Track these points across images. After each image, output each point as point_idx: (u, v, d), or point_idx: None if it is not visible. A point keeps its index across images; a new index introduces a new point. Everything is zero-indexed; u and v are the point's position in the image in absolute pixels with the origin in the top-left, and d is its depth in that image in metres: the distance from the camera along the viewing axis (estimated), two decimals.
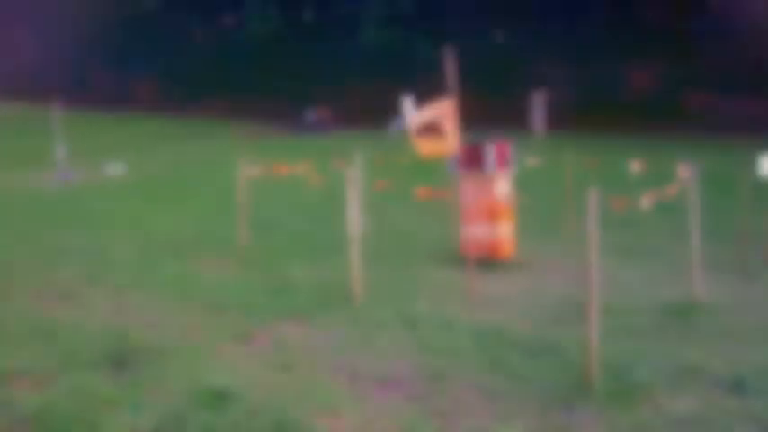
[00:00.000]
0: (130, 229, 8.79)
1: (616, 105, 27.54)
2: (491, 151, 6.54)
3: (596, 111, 25.34)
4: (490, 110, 34.34)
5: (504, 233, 6.74)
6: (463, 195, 6.93)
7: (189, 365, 3.91)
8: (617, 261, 7.00)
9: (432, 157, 6.70)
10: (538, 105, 25.04)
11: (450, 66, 5.43)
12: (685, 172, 5.57)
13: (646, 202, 5.12)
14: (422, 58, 34.92)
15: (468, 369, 3.90)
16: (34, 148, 20.30)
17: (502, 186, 6.70)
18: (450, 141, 5.61)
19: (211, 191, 12.45)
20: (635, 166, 7.19)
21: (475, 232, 6.85)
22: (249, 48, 38.03)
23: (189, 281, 6.00)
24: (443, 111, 5.66)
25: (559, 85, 26.68)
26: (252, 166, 7.29)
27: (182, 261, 6.86)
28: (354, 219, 5.32)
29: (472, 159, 6.70)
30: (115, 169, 18.42)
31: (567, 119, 25.24)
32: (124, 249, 7.43)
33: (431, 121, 5.77)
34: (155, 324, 4.78)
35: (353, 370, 3.90)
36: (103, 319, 4.89)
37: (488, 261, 6.80)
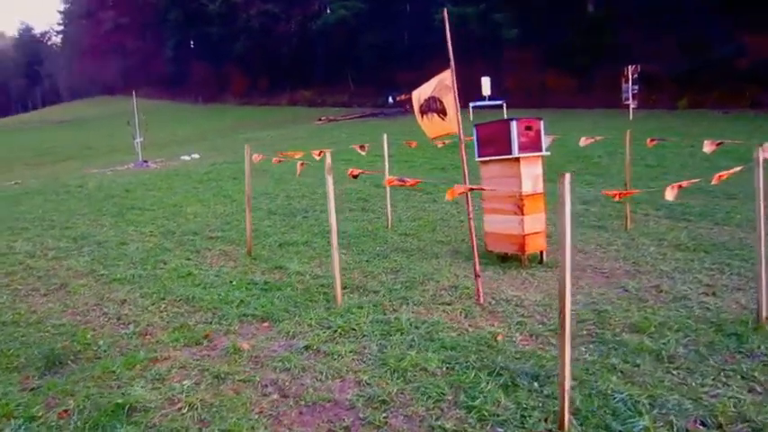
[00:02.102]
0: (165, 218, 8.79)
1: (728, 76, 24.45)
2: (516, 129, 5.61)
3: (700, 83, 22.57)
4: (581, 84, 31.88)
5: (533, 226, 5.79)
6: (485, 182, 6.07)
7: (115, 374, 3.53)
8: (674, 261, 5.84)
9: (441, 139, 5.90)
10: (632, 79, 22.65)
11: (447, 34, 4.60)
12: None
13: (670, 192, 4.02)
14: (504, 37, 33.17)
15: (422, 398, 3.18)
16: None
17: (531, 171, 5.76)
18: (451, 118, 4.80)
19: (264, 179, 12.35)
20: (708, 147, 5.92)
21: (499, 224, 5.98)
22: (332, 34, 38.21)
23: (182, 276, 5.70)
24: (441, 85, 4.86)
25: (657, 55, 24.06)
26: (257, 153, 6.85)
27: (190, 254, 6.62)
28: (332, 210, 4.69)
29: (494, 140, 5.81)
30: (189, 157, 19.16)
31: (666, 93, 22.68)
32: (143, 240, 7.37)
33: (432, 99, 4.98)
34: (116, 323, 4.49)
35: (289, 388, 3.33)
36: (72, 315, 4.68)
37: (515, 258, 5.93)
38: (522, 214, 5.69)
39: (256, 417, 3.03)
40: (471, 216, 4.82)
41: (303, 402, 3.18)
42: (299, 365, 3.62)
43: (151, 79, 64.93)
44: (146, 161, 17.76)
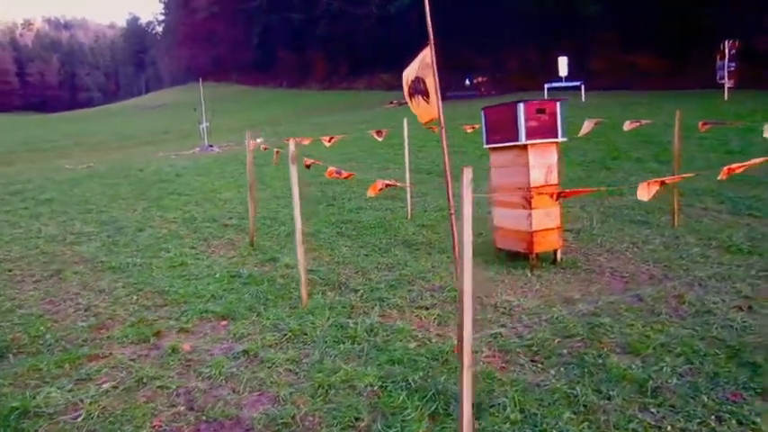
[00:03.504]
0: (195, 204, 8.87)
1: None
2: (524, 113, 4.96)
3: None
4: (674, 64, 29.09)
5: (544, 221, 5.13)
6: (493, 171, 5.47)
7: (40, 373, 3.43)
8: (715, 266, 4.96)
9: (431, 125, 5.34)
10: (729, 55, 20.27)
11: (426, 9, 4.06)
12: None
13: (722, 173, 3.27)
14: (584, 16, 30.86)
15: (330, 422, 2.79)
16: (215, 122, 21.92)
17: (542, 159, 5.09)
18: (432, 102, 4.26)
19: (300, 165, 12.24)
20: None
21: (506, 219, 5.38)
22: (409, 16, 37.46)
23: (173, 266, 5.63)
24: (423, 64, 4.32)
25: (761, 30, 21.40)
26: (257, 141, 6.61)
27: (196, 243, 6.57)
28: (297, 204, 4.35)
29: (501, 125, 5.19)
30: (254, 142, 19.55)
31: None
32: (161, 226, 7.44)
33: (417, 80, 4.46)
34: (82, 314, 4.44)
35: (200, 399, 3.06)
36: (47, 304, 4.70)
37: (525, 257, 5.31)
38: (530, 208, 5.05)
39: (146, 431, 2.79)
40: (452, 211, 4.28)
41: (204, 418, 2.90)
42: (226, 373, 3.35)
43: (240, 65, 67.54)
44: (211, 146, 18.30)
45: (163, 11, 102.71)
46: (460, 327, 2.20)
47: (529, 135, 4.96)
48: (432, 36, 4.11)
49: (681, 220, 6.52)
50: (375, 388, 3.10)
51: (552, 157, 5.12)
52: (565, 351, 3.51)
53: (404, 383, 3.12)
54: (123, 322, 4.24)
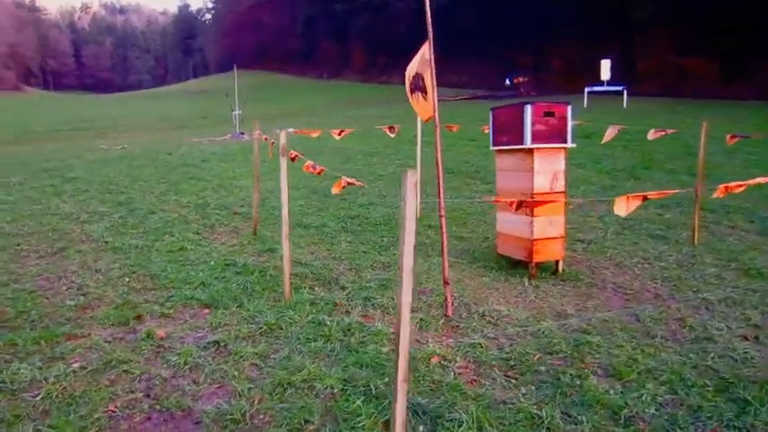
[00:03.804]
0: (211, 190, 8.96)
1: None
2: (531, 115, 4.76)
3: None
4: (728, 70, 27.79)
5: (546, 230, 4.93)
6: (498, 174, 5.30)
7: (15, 348, 3.47)
8: (729, 289, 4.68)
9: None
10: None
11: (426, 4, 3.91)
12: None
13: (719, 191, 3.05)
14: (635, 16, 29.82)
15: (281, 422, 2.72)
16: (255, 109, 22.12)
17: (548, 165, 4.88)
18: (429, 98, 4.13)
19: (331, 157, 12.27)
20: None
21: (508, 225, 5.20)
22: (449, 12, 37.04)
23: (172, 251, 5.67)
24: (423, 60, 4.19)
25: None
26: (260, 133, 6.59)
27: (201, 229, 6.61)
28: (285, 194, 4.28)
29: (508, 127, 5.01)
30: (291, 130, 19.69)
31: None
32: (172, 211, 7.52)
33: (417, 77, 4.33)
34: (73, 293, 4.49)
35: (159, 387, 3.03)
36: (42, 280, 4.79)
37: (525, 265, 5.13)
38: (533, 215, 4.86)
39: (99, 416, 2.78)
40: (443, 213, 4.14)
41: (159, 407, 2.87)
42: (192, 363, 3.32)
43: (283, 55, 68.22)
44: (242, 133, 18.50)
45: (211, 1, 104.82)
46: (397, 339, 2.09)
47: (535, 138, 4.76)
48: (431, 32, 3.97)
49: (702, 238, 6.19)
50: (334, 390, 3.01)
51: (559, 163, 4.90)
52: (543, 368, 3.34)
53: (364, 389, 3.02)
54: (110, 304, 4.27)
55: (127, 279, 4.82)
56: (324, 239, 6.20)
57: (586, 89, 21.46)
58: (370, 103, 31.23)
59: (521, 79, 32.24)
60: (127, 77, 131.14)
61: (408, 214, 1.98)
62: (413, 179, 1.98)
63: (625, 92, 21.17)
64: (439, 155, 4.12)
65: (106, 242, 5.94)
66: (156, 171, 10.75)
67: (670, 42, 30.23)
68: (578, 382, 3.16)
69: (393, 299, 4.41)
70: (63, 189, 8.87)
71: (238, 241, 6.09)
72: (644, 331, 3.89)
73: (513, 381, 3.20)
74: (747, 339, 3.81)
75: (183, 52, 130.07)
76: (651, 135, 6.42)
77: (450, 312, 4.12)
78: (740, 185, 2.99)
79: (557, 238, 4.97)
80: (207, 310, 4.19)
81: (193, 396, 2.97)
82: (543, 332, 3.83)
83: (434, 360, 3.40)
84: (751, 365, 3.39)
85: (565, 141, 4.89)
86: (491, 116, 5.24)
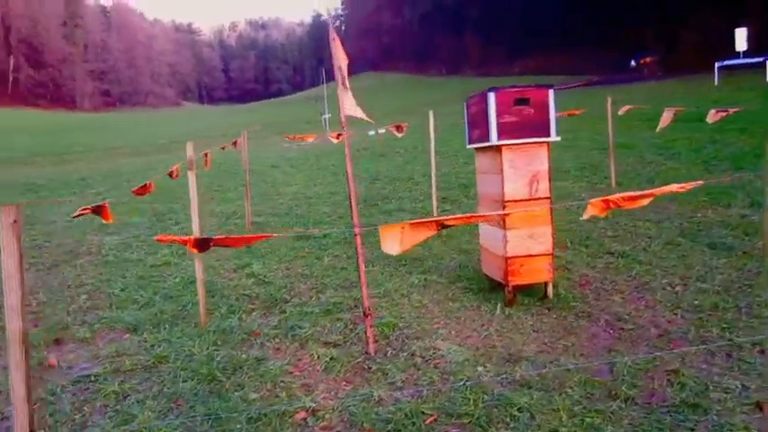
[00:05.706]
0: (258, 196, 8.94)
1: None
2: (495, 104, 3.86)
3: None
4: None
5: (525, 245, 3.99)
6: (478, 177, 4.44)
7: None
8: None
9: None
10: None
11: None
12: None
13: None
14: None
15: None
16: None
17: (522, 165, 3.93)
18: (341, 91, 3.45)
19: (381, 161, 11.79)
20: None
21: (487, 239, 4.34)
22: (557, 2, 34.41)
23: (155, 266, 5.61)
24: (335, 45, 3.53)
25: None
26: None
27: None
28: (195, 212, 3.87)
29: (478, 120, 4.15)
30: (374, 133, 19.50)
31: None
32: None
33: (338, 68, 3.67)
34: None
35: None
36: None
37: (501, 287, 4.23)
38: (504, 228, 3.96)
39: None
40: (357, 231, 3.46)
41: None
42: (49, 400, 3.05)
43: (405, 54, 68.74)
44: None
45: (341, 7, 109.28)
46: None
47: (502, 133, 3.85)
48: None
49: None
50: None
51: (539, 162, 3.93)
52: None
53: None
54: (46, 323, 4.21)
55: (85, 297, 4.78)
56: (312, 253, 5.75)
57: (717, 64, 18.48)
58: None
59: (648, 59, 28.92)
60: (269, 87, 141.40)
61: (6, 267, 1.45)
62: (9, 218, 1.45)
63: (767, 64, 17.85)
64: (349, 165, 3.46)
65: (104, 255, 6.05)
66: (219, 179, 11.06)
67: None
68: None
69: (323, 329, 3.83)
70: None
71: (228, 256, 5.84)
72: (607, 390, 2.89)
73: None
74: (760, 409, 2.66)
75: (316, 59, 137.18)
76: (711, 117, 5.05)
77: (371, 350, 3.44)
78: (682, 188, 2.00)
79: (541, 255, 4.00)
80: (127, 335, 3.95)
81: None
82: (468, 383, 3.00)
83: (298, 416, 2.79)
84: None
85: (547, 134, 3.91)
86: (464, 107, 4.39)
